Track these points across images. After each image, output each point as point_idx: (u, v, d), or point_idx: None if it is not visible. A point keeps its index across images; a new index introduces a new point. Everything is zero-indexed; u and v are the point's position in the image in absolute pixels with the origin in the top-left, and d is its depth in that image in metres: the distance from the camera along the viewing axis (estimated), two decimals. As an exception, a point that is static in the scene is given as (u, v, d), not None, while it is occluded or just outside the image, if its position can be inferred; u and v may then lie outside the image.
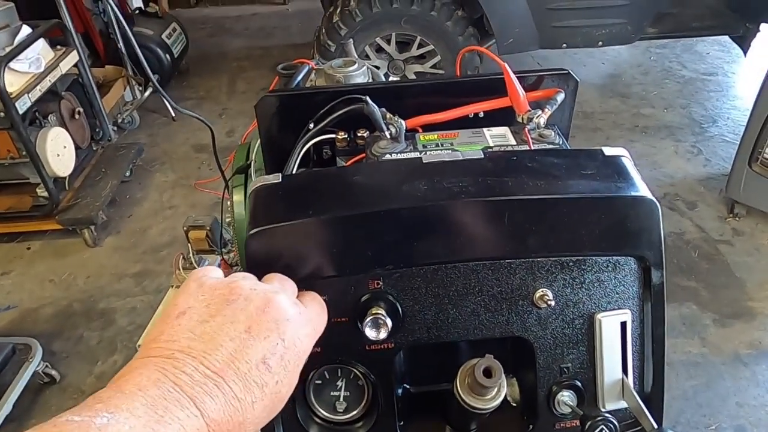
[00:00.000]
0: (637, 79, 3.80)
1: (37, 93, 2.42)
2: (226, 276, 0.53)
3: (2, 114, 2.25)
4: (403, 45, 3.25)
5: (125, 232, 2.77)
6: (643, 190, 0.64)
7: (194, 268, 1.61)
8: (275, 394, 0.46)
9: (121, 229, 2.79)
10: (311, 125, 0.86)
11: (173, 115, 3.59)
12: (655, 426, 0.59)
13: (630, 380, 0.65)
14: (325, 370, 0.67)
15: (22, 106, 2.33)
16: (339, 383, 0.67)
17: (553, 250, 0.63)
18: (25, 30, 2.45)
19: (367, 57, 3.16)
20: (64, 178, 2.67)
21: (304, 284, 0.62)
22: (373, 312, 0.61)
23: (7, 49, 2.31)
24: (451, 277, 0.63)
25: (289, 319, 0.49)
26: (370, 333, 0.61)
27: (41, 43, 2.52)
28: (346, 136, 0.86)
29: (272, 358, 0.46)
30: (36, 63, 2.44)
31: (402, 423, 0.66)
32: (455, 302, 0.63)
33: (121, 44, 3.22)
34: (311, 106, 0.85)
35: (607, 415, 0.59)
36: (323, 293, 0.62)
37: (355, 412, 0.67)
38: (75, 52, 2.72)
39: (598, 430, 0.58)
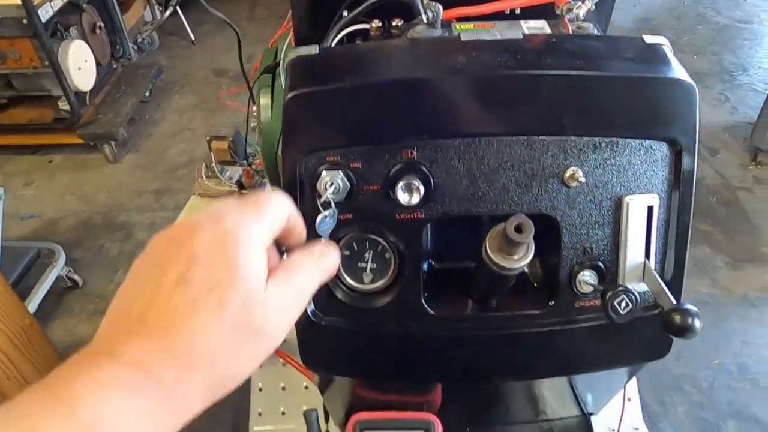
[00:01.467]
0: (668, 24, 3.68)
1: (58, 3, 2.40)
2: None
3: (25, 21, 2.24)
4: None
5: (144, 150, 2.80)
6: (681, 74, 0.64)
7: (216, 177, 1.64)
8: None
9: (141, 147, 2.81)
10: (345, 12, 0.85)
11: (193, 38, 3.55)
12: (674, 302, 0.60)
13: (652, 264, 0.67)
14: (354, 241, 0.68)
15: (44, 14, 2.31)
16: (366, 255, 0.69)
17: (587, 130, 0.63)
18: (47, -63, 2.40)
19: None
20: (85, 93, 2.68)
21: (339, 153, 0.63)
22: (406, 177, 0.62)
23: (29, -45, 2.28)
24: (484, 151, 0.63)
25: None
26: (402, 197, 0.62)
27: (63, -48, 2.47)
28: (380, 24, 0.85)
29: None
30: (58, -29, 2.40)
31: (426, 294, 0.68)
32: (486, 176, 0.64)
33: (142, -39, 3.16)
34: (346, -7, 0.84)
35: (628, 287, 0.60)
36: (357, 161, 0.64)
37: (380, 283, 0.69)
38: (96, -36, 2.67)
39: (620, 299, 0.60)
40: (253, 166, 1.64)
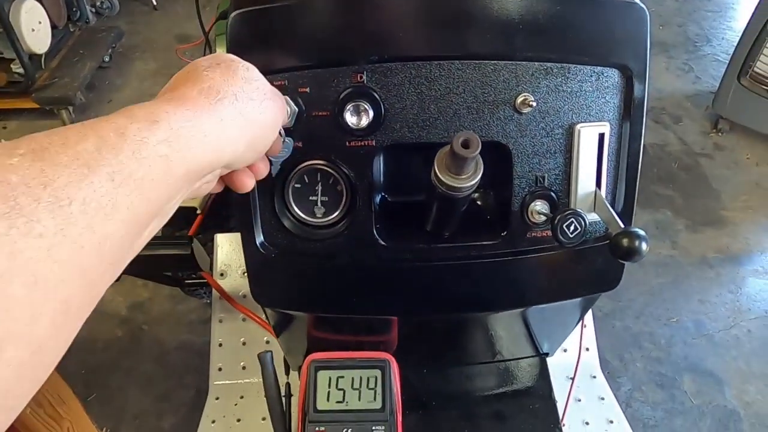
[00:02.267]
0: (635, -5, 3.70)
1: (8, -41, 2.29)
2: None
3: (-28, -23, 2.13)
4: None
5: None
6: (634, -2, 0.63)
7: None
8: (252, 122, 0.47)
9: (101, 113, 2.71)
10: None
11: (155, 3, 3.44)
12: (623, 226, 0.60)
13: (603, 193, 0.67)
14: (304, 173, 0.67)
15: (-6, -29, 2.20)
16: (318, 187, 0.68)
17: (538, 54, 0.62)
18: None
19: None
20: (40, 56, 2.57)
21: (286, 77, 0.62)
22: (355, 100, 0.61)
23: None
24: (434, 75, 0.62)
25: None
26: (350, 120, 0.61)
27: None
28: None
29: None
30: (7, -75, 2.29)
31: (378, 226, 0.67)
32: (437, 102, 0.63)
33: None
34: None
35: (578, 210, 0.60)
36: (305, 86, 0.62)
37: (332, 216, 0.68)
38: None
39: (568, 221, 0.60)
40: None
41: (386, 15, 0.61)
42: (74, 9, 2.85)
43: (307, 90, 0.62)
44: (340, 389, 0.77)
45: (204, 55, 1.28)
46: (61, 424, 1.29)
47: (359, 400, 0.76)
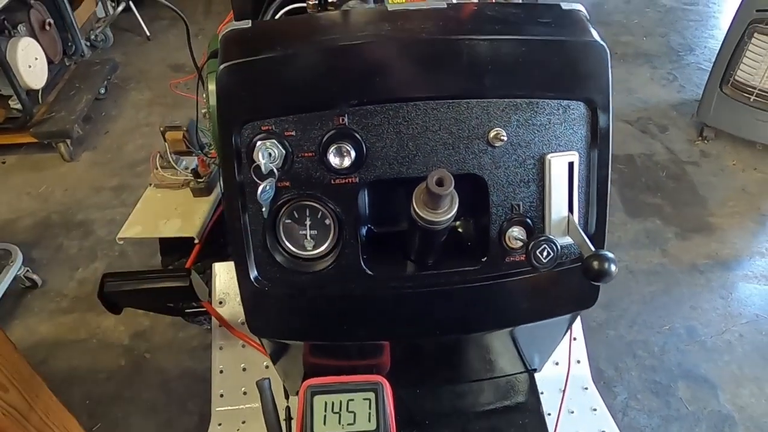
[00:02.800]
0: (618, 8, 3.78)
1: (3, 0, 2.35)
2: None
3: (-31, 18, 2.19)
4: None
5: (102, 147, 2.76)
6: (594, 36, 0.68)
7: (171, 167, 1.64)
8: None
9: (98, 145, 2.78)
10: (282, -10, 0.87)
11: (148, 34, 3.51)
12: (593, 249, 0.64)
13: (576, 218, 0.71)
14: (293, 209, 0.71)
15: (-10, 11, 2.26)
16: (307, 222, 0.72)
17: (507, 92, 0.67)
18: (-11, -69, 2.35)
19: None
20: (37, 91, 2.63)
21: (273, 122, 0.66)
22: (337, 142, 0.65)
23: (-29, -49, 2.23)
24: (411, 115, 0.67)
25: None
26: (333, 161, 0.65)
27: (6, -53, 2.42)
28: (316, 2, 0.88)
29: None
30: (2, -33, 2.35)
31: (365, 257, 0.71)
32: (415, 139, 0.67)
33: (91, -45, 3.10)
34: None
35: (550, 236, 0.64)
36: (291, 129, 0.66)
37: (321, 249, 0.72)
38: (42, -41, 2.62)
39: (541, 248, 0.64)
40: (208, 156, 1.65)
41: (364, 61, 0.65)
42: (69, 44, 2.91)
43: (293, 133, 0.67)
44: (336, 413, 0.80)
45: (198, 88, 1.33)
46: (68, 455, 1.32)
47: (354, 422, 0.79)
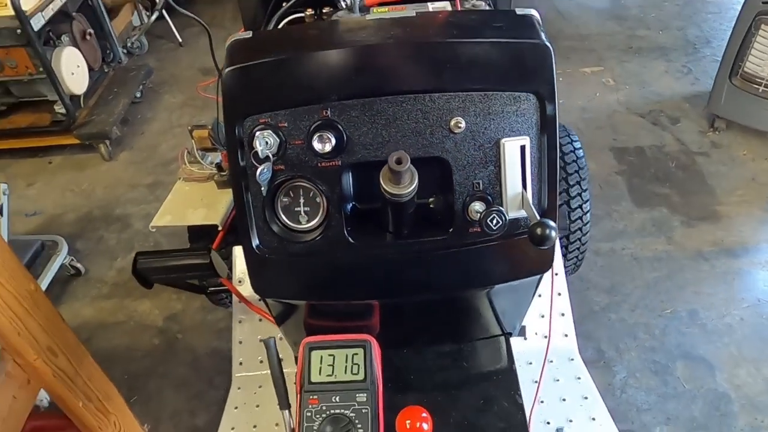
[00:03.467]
0: (636, 2, 3.81)
1: (49, 12, 2.56)
2: None
3: (19, 30, 2.40)
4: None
5: (138, 147, 2.96)
6: (540, 38, 0.79)
7: (198, 162, 1.80)
8: None
9: (134, 145, 2.98)
10: (284, 3, 1.01)
11: (180, 40, 3.71)
12: (538, 218, 0.76)
13: (529, 195, 0.83)
14: (289, 189, 0.84)
15: (37, 23, 2.47)
16: (300, 199, 0.85)
17: (464, 86, 0.79)
18: (35, -50, 2.56)
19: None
20: (79, 96, 2.84)
21: (269, 115, 0.80)
22: (321, 131, 0.78)
23: (19, -31, 2.44)
24: (383, 108, 0.79)
25: None
26: (317, 146, 0.79)
27: (51, -36, 2.63)
28: (313, 12, 1.01)
29: None
30: (47, -18, 2.56)
31: (349, 229, 0.84)
32: (388, 128, 0.80)
33: (127, -32, 3.32)
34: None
35: (499, 207, 0.76)
36: (284, 121, 0.80)
37: (313, 222, 0.85)
38: (83, -27, 2.83)
39: (491, 217, 0.76)
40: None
41: (343, 63, 0.78)
42: (108, 51, 3.13)
43: (286, 125, 0.80)
44: (329, 365, 0.93)
45: (218, 90, 1.48)
46: (109, 417, 1.49)
47: (345, 373, 0.92)
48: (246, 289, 1.45)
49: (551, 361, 1.35)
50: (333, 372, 0.93)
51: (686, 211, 2.35)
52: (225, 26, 3.85)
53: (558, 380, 1.32)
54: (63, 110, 2.73)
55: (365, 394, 0.91)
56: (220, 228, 1.64)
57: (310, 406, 0.91)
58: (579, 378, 1.31)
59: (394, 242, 0.85)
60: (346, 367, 0.93)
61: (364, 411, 0.89)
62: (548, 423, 1.24)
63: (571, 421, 1.24)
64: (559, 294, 1.40)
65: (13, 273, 1.16)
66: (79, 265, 2.28)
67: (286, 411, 0.99)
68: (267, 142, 0.79)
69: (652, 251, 2.21)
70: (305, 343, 0.95)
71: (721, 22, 3.53)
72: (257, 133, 0.79)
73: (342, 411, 0.89)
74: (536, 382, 1.28)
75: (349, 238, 0.84)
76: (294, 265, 0.86)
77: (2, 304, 1.14)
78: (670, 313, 1.99)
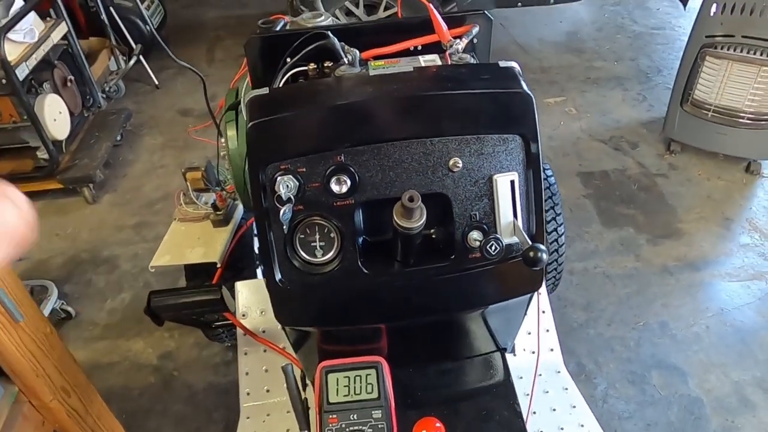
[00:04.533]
0: (591, 36, 4.07)
1: (33, 62, 2.62)
2: None
3: (4, 81, 2.46)
4: (371, 8, 3.48)
5: (121, 190, 3.01)
6: (523, 87, 0.92)
7: (194, 203, 1.87)
8: None
9: (117, 187, 3.02)
10: (288, 59, 1.12)
11: (157, 83, 3.79)
12: (530, 243, 0.87)
13: (519, 222, 0.94)
14: (306, 226, 0.94)
15: (21, 73, 2.53)
16: (316, 236, 0.95)
17: (460, 131, 0.90)
18: (18, 2, 2.63)
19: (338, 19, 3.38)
20: (61, 141, 2.88)
21: (288, 162, 0.90)
22: (337, 174, 0.89)
23: (3, 21, 2.51)
24: (391, 152, 0.90)
25: None
26: (334, 187, 0.89)
27: (33, 15, 2.70)
28: (315, 66, 1.12)
29: None
30: (30, 33, 2.63)
31: (362, 260, 0.94)
32: (394, 169, 0.91)
33: (104, 15, 3.40)
34: (288, 44, 1.11)
35: (496, 235, 0.87)
36: (302, 167, 0.90)
37: (329, 256, 0.95)
38: (63, 23, 2.90)
39: (490, 244, 0.87)
40: (225, 191, 1.89)
41: (353, 115, 0.89)
42: (88, 96, 3.18)
43: (304, 169, 0.90)
44: (345, 386, 1.02)
45: (217, 137, 1.57)
46: (117, 455, 1.53)
47: (360, 393, 1.01)
48: (249, 322, 1.52)
49: (540, 375, 1.45)
50: (349, 392, 1.01)
51: (651, 230, 2.52)
52: (202, 68, 3.94)
53: (547, 392, 1.42)
54: (46, 156, 2.77)
55: (380, 411, 0.99)
56: (218, 265, 1.71)
57: (330, 425, 0.99)
58: (566, 389, 1.42)
59: (402, 270, 0.95)
60: (360, 387, 1.01)
61: (380, 426, 0.98)
62: (541, 432, 1.34)
63: (562, 429, 1.34)
64: (543, 312, 1.51)
65: (32, 317, 1.22)
66: (69, 309, 2.31)
67: (305, 432, 1.07)
68: (288, 186, 0.89)
69: (622, 268, 2.36)
70: (322, 368, 1.04)
71: (670, 53, 3.80)
72: (278, 178, 0.89)
73: (360, 427, 0.97)
74: (527, 394, 1.38)
75: (363, 268, 0.93)
76: (313, 295, 0.95)
77: (22, 346, 1.19)
78: (642, 326, 2.13)
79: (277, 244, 0.93)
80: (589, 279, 2.32)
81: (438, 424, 0.92)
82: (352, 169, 0.90)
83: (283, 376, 1.48)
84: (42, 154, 2.79)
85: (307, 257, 0.95)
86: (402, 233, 0.84)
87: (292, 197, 0.89)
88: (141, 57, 3.67)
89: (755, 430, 1.81)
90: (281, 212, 0.87)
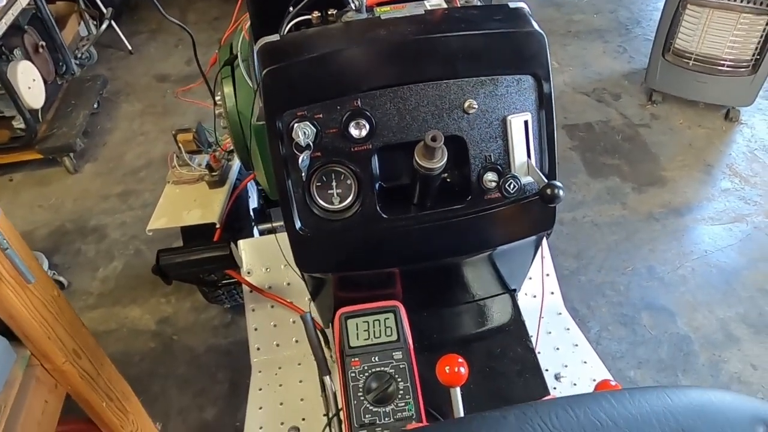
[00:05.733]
0: (570, -12, 4.06)
1: (2, 26, 2.51)
2: None
3: (-26, 47, 2.36)
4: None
5: (102, 158, 2.94)
6: (534, 26, 0.92)
7: (187, 165, 1.85)
8: None
9: (98, 156, 2.96)
10: (291, 7, 1.10)
11: (130, 48, 3.68)
12: (546, 181, 0.89)
13: (533, 161, 0.96)
14: (322, 173, 0.94)
15: (-9, 39, 2.43)
16: (333, 183, 0.95)
17: (474, 72, 0.91)
18: (-18, -36, 2.51)
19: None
20: (37, 110, 2.80)
21: (305, 108, 0.89)
22: (355, 119, 0.89)
23: (-32, -16, 2.39)
24: (407, 95, 0.90)
25: None
26: (354, 132, 0.89)
27: (-2, -23, 2.58)
28: (319, 14, 1.10)
29: None
30: (-3, -3, 2.51)
31: (380, 205, 0.95)
32: (411, 113, 0.91)
33: (71, -22, 3.27)
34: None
35: (514, 173, 0.89)
36: (319, 113, 0.90)
37: (346, 202, 0.95)
38: (30, -15, 2.78)
39: (509, 182, 0.88)
40: (218, 151, 1.87)
41: (369, 59, 0.89)
42: (60, 63, 3.08)
43: (321, 115, 0.90)
44: (365, 330, 1.04)
45: (212, 95, 1.55)
46: (128, 416, 1.55)
47: (380, 336, 1.03)
48: (254, 279, 1.53)
49: (542, 317, 1.50)
50: (369, 336, 1.04)
51: (635, 179, 2.58)
52: (174, 32, 3.84)
53: (550, 332, 1.47)
54: (23, 125, 2.69)
55: (401, 352, 1.02)
56: (217, 225, 1.70)
57: (353, 368, 1.01)
58: (568, 329, 1.47)
59: (419, 214, 0.96)
60: (380, 330, 1.04)
61: (401, 366, 1.01)
62: (547, 370, 1.39)
63: (566, 366, 1.40)
64: (543, 257, 1.55)
65: (40, 279, 1.21)
66: (61, 279, 2.28)
67: (327, 377, 1.10)
68: (305, 132, 0.88)
69: (610, 217, 2.42)
70: (341, 314, 1.06)
71: (648, 3, 3.82)
72: (296, 125, 0.88)
73: (382, 368, 1.00)
74: (532, 336, 1.43)
75: (381, 213, 0.94)
76: (333, 241, 0.96)
77: (33, 309, 1.18)
78: (631, 271, 2.20)
79: (296, 192, 0.93)
80: (578, 228, 2.37)
81: (460, 360, 0.95)
82: (369, 114, 0.90)
83: (292, 330, 1.51)
84: (18, 124, 2.70)
85: (325, 204, 0.95)
86: (423, 174, 0.85)
87: (310, 144, 0.89)
88: (112, 21, 3.54)
89: (740, 362, 1.90)
90: (300, 159, 0.87)
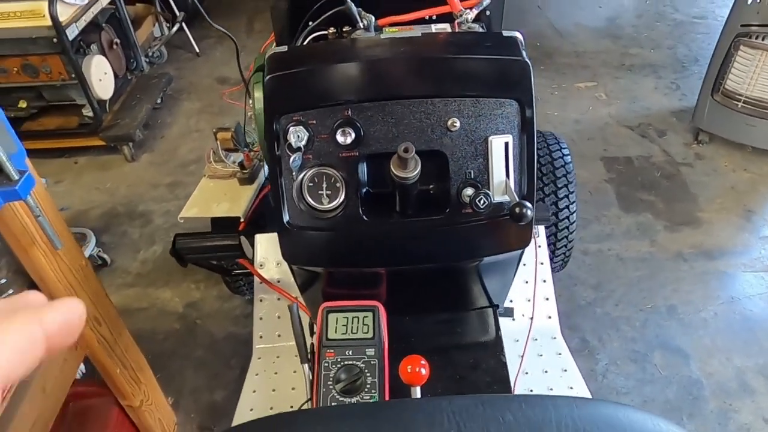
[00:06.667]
0: (630, 22, 4.02)
1: (82, 23, 2.77)
2: None
3: (55, 40, 2.61)
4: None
5: (158, 150, 3.16)
6: (522, 55, 0.98)
7: (222, 161, 1.99)
8: None
9: (155, 148, 3.18)
10: (309, 22, 1.20)
11: (197, 51, 3.92)
12: (517, 199, 0.94)
13: (512, 183, 1.01)
14: (314, 175, 1.03)
15: (71, 34, 2.68)
16: (323, 185, 1.04)
17: (460, 92, 0.97)
18: (70, -34, 2.77)
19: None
20: (105, 101, 3.04)
21: (300, 114, 0.98)
22: (343, 127, 0.97)
23: (57, -17, 2.65)
24: (394, 109, 0.98)
25: None
26: (340, 138, 0.97)
27: (84, -21, 2.84)
28: (335, 31, 1.20)
29: None
30: (80, -4, 2.77)
31: (364, 209, 1.03)
32: (397, 126, 0.98)
33: (150, -17, 3.54)
34: (310, 9, 1.19)
35: (486, 190, 0.95)
36: (313, 119, 0.98)
37: (334, 203, 1.04)
38: (112, -13, 3.04)
39: (479, 198, 0.94)
40: (252, 152, 2.00)
41: (362, 73, 0.97)
42: (132, 60, 3.33)
43: (314, 121, 0.99)
44: (344, 325, 1.11)
45: (245, 98, 1.67)
46: (140, 386, 1.67)
47: (357, 332, 1.10)
48: (265, 272, 1.63)
49: (535, 339, 1.52)
50: (347, 331, 1.11)
51: (669, 217, 2.54)
52: (241, 39, 4.05)
53: (541, 355, 1.49)
54: (91, 113, 2.93)
55: (374, 349, 1.08)
56: (242, 219, 1.82)
57: (327, 358, 1.08)
58: (560, 354, 1.49)
59: (400, 220, 1.03)
60: (358, 327, 1.11)
61: (372, 362, 1.07)
62: (531, 390, 1.41)
63: (551, 389, 1.42)
64: (544, 281, 1.58)
65: (69, 247, 1.35)
66: (105, 256, 2.47)
67: (306, 365, 1.17)
68: (299, 136, 0.97)
69: (636, 252, 2.39)
70: (323, 308, 1.13)
71: (709, 42, 3.71)
72: (290, 128, 0.97)
73: (354, 362, 1.07)
74: (520, 356, 1.46)
75: (364, 216, 1.02)
76: (317, 237, 1.04)
77: (60, 274, 1.32)
78: (650, 308, 2.17)
79: (287, 189, 1.02)
80: (602, 260, 2.36)
81: (423, 361, 1.00)
82: (358, 123, 0.98)
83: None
84: (87, 112, 2.95)
85: (314, 203, 1.04)
86: (399, 183, 0.92)
87: (302, 146, 0.97)
88: (184, 25, 3.80)
89: (752, 414, 1.84)
90: (291, 159, 0.96)
